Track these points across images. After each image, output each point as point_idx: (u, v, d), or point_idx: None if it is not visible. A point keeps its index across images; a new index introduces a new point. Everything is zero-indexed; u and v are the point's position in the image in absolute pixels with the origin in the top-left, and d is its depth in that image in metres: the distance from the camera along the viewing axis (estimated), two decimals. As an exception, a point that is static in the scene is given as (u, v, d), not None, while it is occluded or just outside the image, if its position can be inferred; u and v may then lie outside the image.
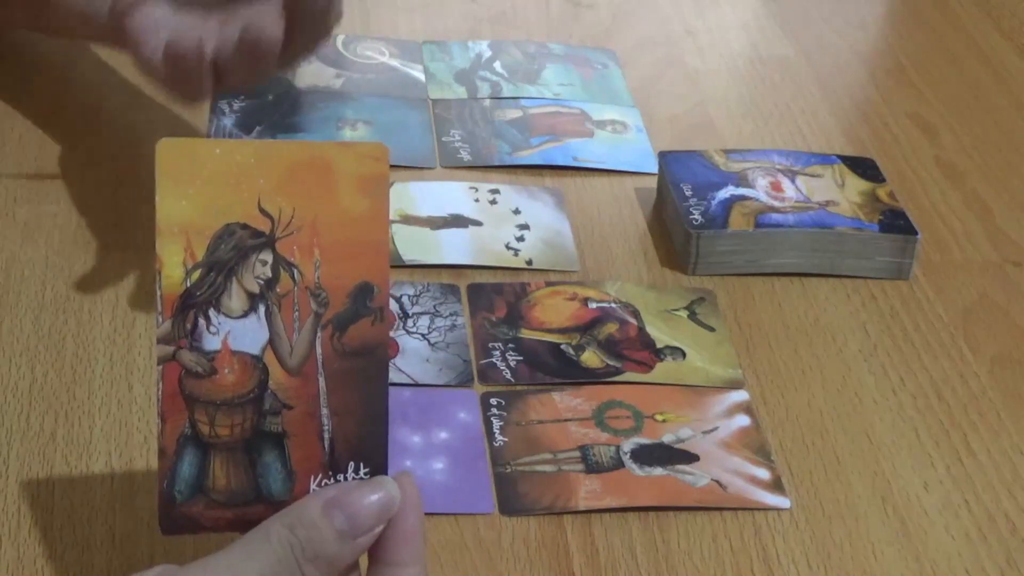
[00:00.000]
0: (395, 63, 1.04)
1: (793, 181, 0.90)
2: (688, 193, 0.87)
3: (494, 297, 0.82)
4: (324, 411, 0.55)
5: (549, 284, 0.84)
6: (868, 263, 0.86)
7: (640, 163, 0.96)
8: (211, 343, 0.55)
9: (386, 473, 0.56)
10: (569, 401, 0.75)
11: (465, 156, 0.95)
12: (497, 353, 0.78)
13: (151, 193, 0.91)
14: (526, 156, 0.95)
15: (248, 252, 0.55)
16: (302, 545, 0.53)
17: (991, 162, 0.99)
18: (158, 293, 0.55)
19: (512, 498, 0.69)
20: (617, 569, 0.66)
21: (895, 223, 0.86)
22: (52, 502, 0.67)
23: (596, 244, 0.88)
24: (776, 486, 0.71)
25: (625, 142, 0.98)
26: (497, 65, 1.05)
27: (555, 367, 0.77)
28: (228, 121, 0.94)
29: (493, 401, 0.74)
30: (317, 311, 0.55)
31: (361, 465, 0.56)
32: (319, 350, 0.55)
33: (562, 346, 0.79)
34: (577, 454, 0.71)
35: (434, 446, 0.71)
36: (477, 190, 0.91)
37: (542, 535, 0.67)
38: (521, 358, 0.77)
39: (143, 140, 0.93)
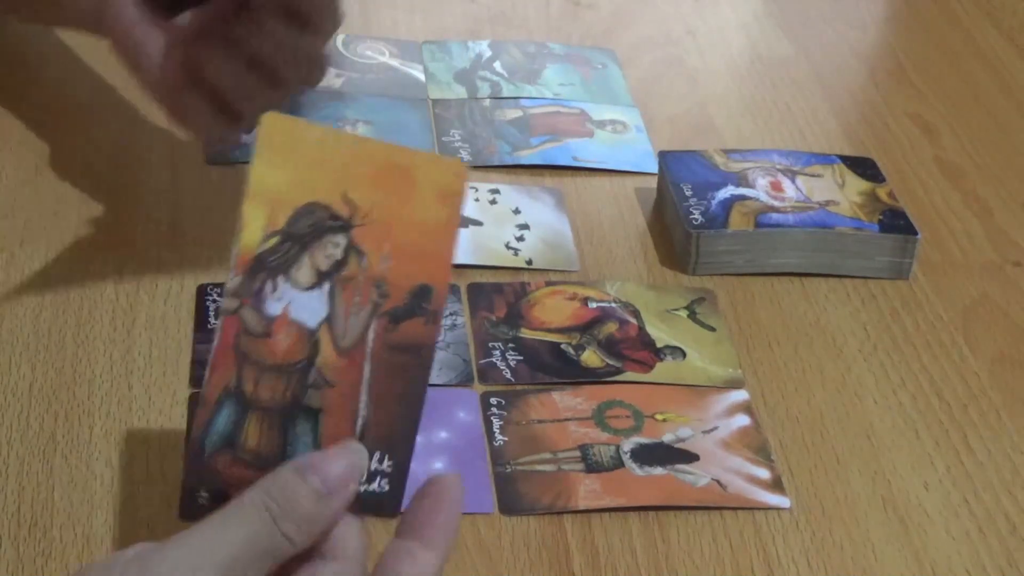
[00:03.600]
0: (395, 63, 1.04)
1: (793, 181, 0.90)
2: (688, 193, 0.87)
3: (494, 297, 0.82)
4: (363, 397, 0.57)
5: (549, 284, 0.84)
6: (868, 263, 0.86)
7: (640, 163, 0.96)
8: (273, 308, 0.57)
9: (407, 472, 0.57)
10: (569, 401, 0.75)
11: (465, 156, 0.95)
12: (497, 353, 0.78)
13: (152, 193, 0.91)
14: (526, 156, 0.95)
15: (324, 232, 0.57)
16: (278, 504, 0.54)
17: (991, 162, 0.99)
18: (234, 250, 0.57)
19: (512, 498, 0.69)
20: (617, 569, 0.66)
21: (895, 223, 0.86)
22: (52, 502, 0.67)
23: (596, 244, 0.88)
24: (776, 486, 0.71)
25: (625, 142, 0.98)
26: (497, 65, 1.05)
27: (555, 367, 0.77)
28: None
29: (493, 401, 0.74)
30: (376, 301, 0.57)
31: (386, 457, 0.57)
32: (371, 338, 0.57)
33: (562, 346, 0.79)
34: (577, 454, 0.71)
35: (434, 446, 0.71)
36: (477, 190, 0.91)
37: (542, 535, 0.67)
38: (521, 358, 0.77)
39: (144, 140, 0.93)
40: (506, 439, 0.72)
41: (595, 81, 1.05)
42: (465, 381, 0.76)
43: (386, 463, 0.57)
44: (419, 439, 0.71)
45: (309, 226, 0.57)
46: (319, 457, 0.55)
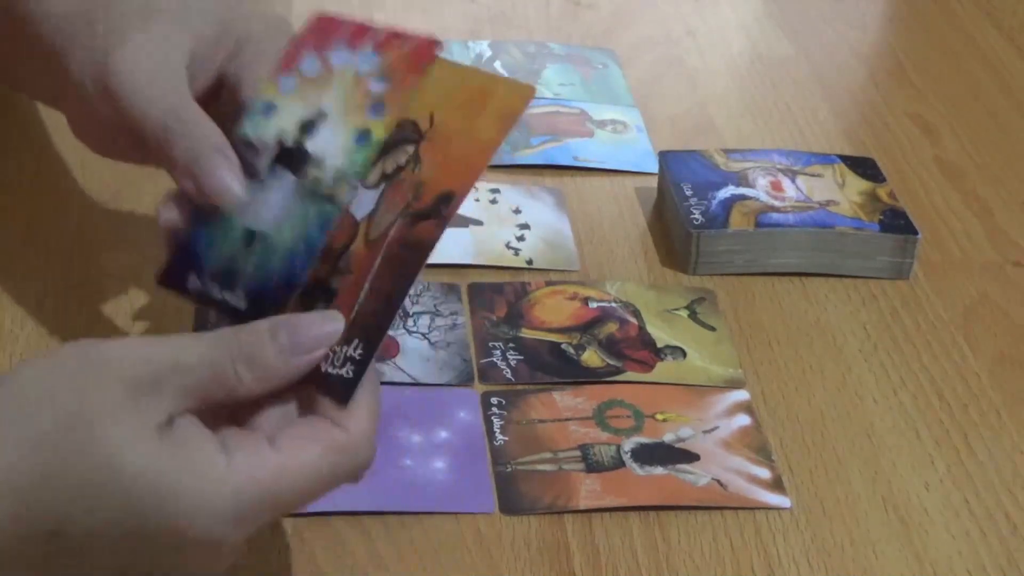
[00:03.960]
0: (395, 63, 1.04)
1: (793, 181, 0.90)
2: (688, 193, 0.87)
3: (494, 296, 0.82)
4: (366, 286, 0.59)
5: (549, 283, 0.84)
6: (868, 263, 0.86)
7: (640, 163, 0.96)
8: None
9: (370, 362, 0.58)
10: (569, 400, 0.75)
11: (465, 156, 0.94)
12: (497, 352, 0.78)
13: (151, 194, 0.91)
14: (526, 156, 0.95)
15: (401, 142, 0.61)
16: (240, 346, 0.56)
17: (991, 162, 0.99)
18: None
19: (512, 497, 0.69)
20: (617, 568, 0.66)
21: (895, 223, 0.86)
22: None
23: (596, 244, 0.88)
24: (776, 485, 0.71)
25: (625, 142, 0.98)
26: (497, 65, 1.05)
27: (555, 366, 0.77)
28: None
29: (493, 400, 0.74)
30: (410, 200, 0.60)
31: (361, 345, 0.58)
32: (390, 233, 0.60)
33: (562, 345, 0.79)
34: (577, 453, 0.71)
35: (434, 445, 0.71)
36: (477, 189, 0.91)
37: (542, 534, 0.67)
38: (521, 357, 0.77)
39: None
40: (507, 439, 0.72)
41: (595, 81, 1.05)
42: (465, 381, 0.76)
43: (358, 351, 0.58)
44: (419, 439, 0.71)
45: (397, 137, 0.62)
46: (296, 319, 0.57)
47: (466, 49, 1.07)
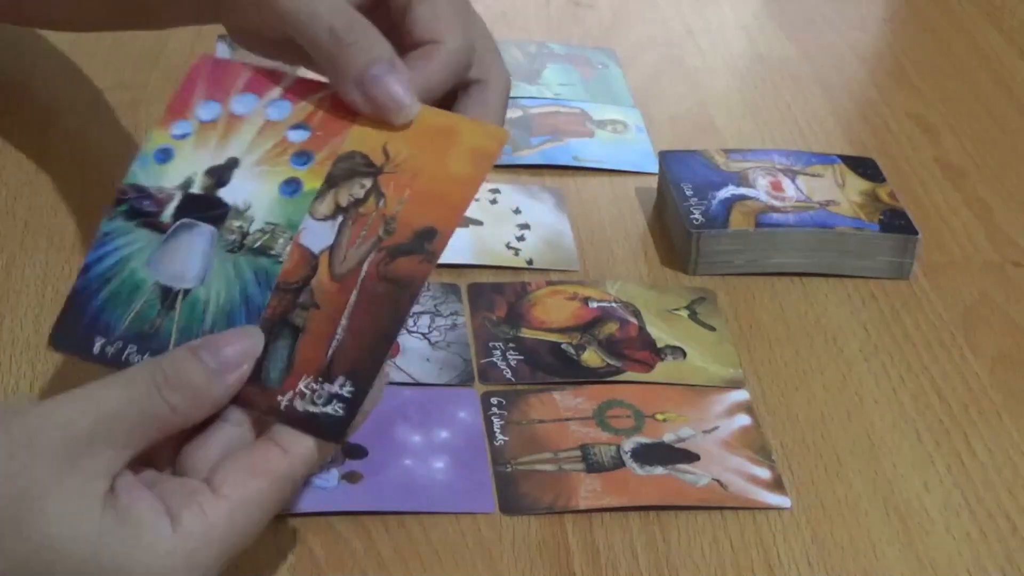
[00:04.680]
0: (395, 63, 1.04)
1: (793, 181, 0.90)
2: (688, 193, 0.87)
3: (495, 296, 0.82)
4: (344, 322, 0.58)
5: (550, 283, 0.84)
6: (868, 263, 0.86)
7: (640, 163, 0.96)
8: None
9: (363, 401, 0.57)
10: (570, 400, 0.75)
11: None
12: (498, 352, 0.78)
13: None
14: (526, 156, 0.95)
15: (354, 175, 0.61)
16: (165, 374, 0.54)
17: (991, 162, 0.99)
18: None
19: (513, 497, 0.69)
20: (618, 568, 0.66)
21: (895, 223, 0.86)
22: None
23: (596, 244, 0.88)
24: (777, 485, 0.71)
25: (625, 142, 0.98)
26: (497, 65, 1.05)
27: (556, 366, 0.77)
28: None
29: (494, 400, 0.74)
30: (381, 236, 0.59)
31: (348, 383, 0.57)
32: (364, 268, 0.59)
33: (563, 345, 0.79)
34: (578, 453, 0.71)
35: (434, 445, 0.71)
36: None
37: (543, 534, 0.67)
38: (522, 357, 0.77)
39: (142, 140, 0.92)
40: (507, 439, 0.72)
41: (595, 81, 1.05)
42: (466, 381, 0.76)
43: (347, 388, 0.57)
44: (419, 439, 0.71)
45: (343, 169, 0.60)
46: (213, 338, 0.56)
47: (466, 49, 1.07)
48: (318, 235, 0.60)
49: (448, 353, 0.77)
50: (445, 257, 0.83)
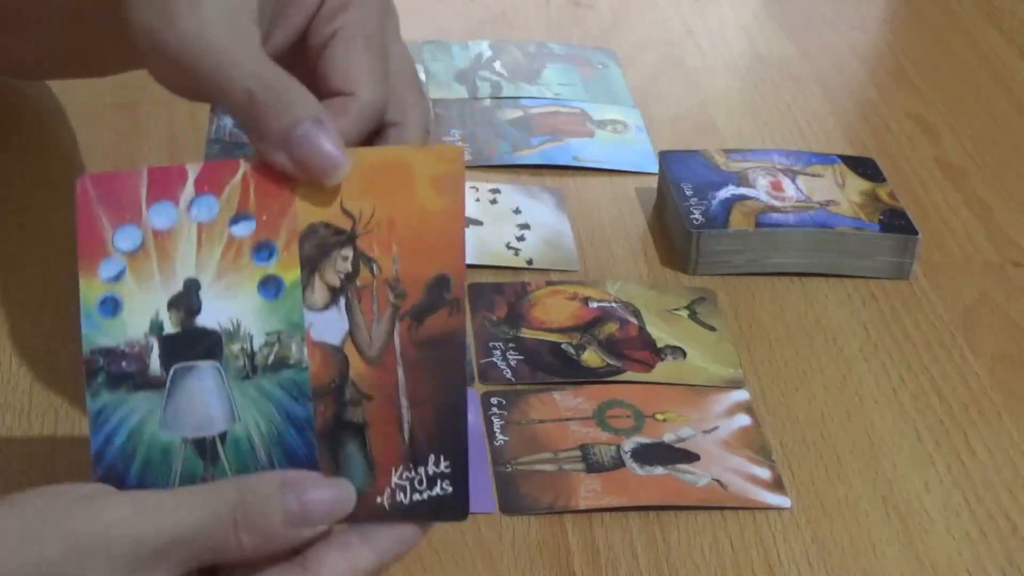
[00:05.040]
0: (395, 63, 1.04)
1: (794, 181, 0.90)
2: (688, 193, 0.87)
3: (494, 296, 0.82)
4: (403, 402, 0.55)
5: (549, 283, 0.84)
6: (868, 263, 0.86)
7: (640, 163, 0.96)
8: None
9: (467, 468, 0.55)
10: (570, 400, 0.75)
11: (466, 156, 0.95)
12: (498, 352, 0.78)
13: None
14: (526, 156, 0.95)
15: (330, 249, 0.55)
16: (245, 510, 0.51)
17: (991, 162, 0.99)
18: None
19: (513, 497, 0.69)
20: (618, 568, 0.66)
21: (895, 223, 0.86)
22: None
23: (596, 244, 0.88)
24: (777, 485, 0.71)
25: (625, 142, 0.98)
26: (497, 65, 1.05)
27: (556, 366, 0.77)
28: (229, 121, 0.94)
29: (494, 400, 0.74)
30: (394, 303, 0.56)
31: (441, 458, 0.55)
32: (397, 340, 0.55)
33: (563, 345, 0.79)
34: (578, 453, 0.71)
35: (435, 445, 0.71)
36: (477, 189, 0.91)
37: (542, 534, 0.67)
38: (522, 357, 0.77)
39: (142, 141, 0.92)
40: (507, 439, 0.72)
41: (595, 81, 1.05)
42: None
43: (443, 464, 0.55)
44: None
45: (314, 247, 0.55)
46: (308, 479, 0.53)
47: (466, 49, 1.07)
48: (330, 326, 0.55)
49: (448, 353, 0.77)
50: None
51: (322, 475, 0.54)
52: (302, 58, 0.61)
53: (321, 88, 0.60)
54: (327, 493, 0.53)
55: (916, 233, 0.86)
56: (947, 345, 0.81)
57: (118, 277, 0.55)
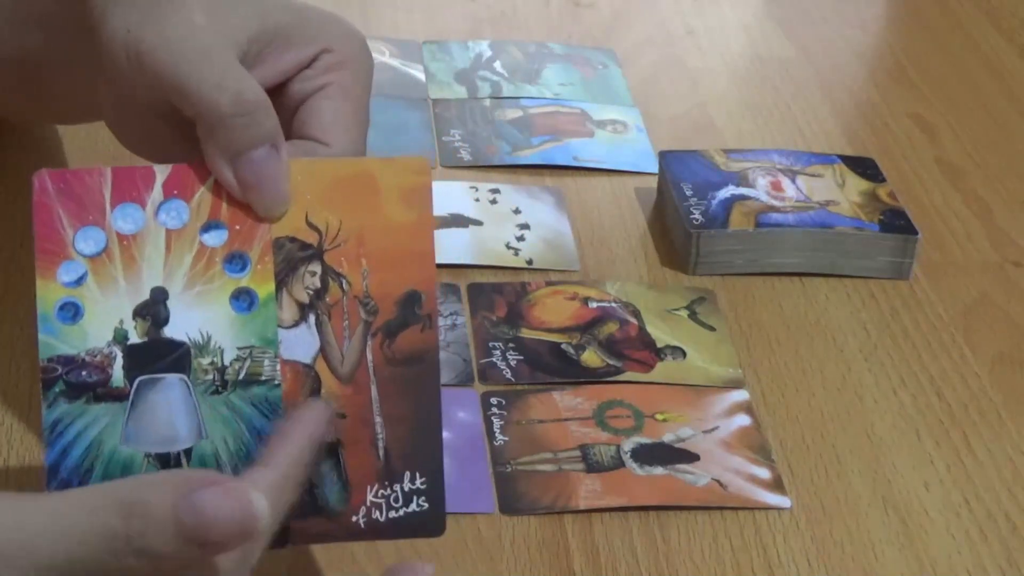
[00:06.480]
0: (395, 63, 1.04)
1: (793, 181, 0.90)
2: (688, 193, 0.87)
3: (494, 296, 0.82)
4: (378, 419, 0.55)
5: (549, 284, 0.84)
6: (868, 263, 0.86)
7: (640, 163, 0.96)
8: None
9: (442, 484, 0.55)
10: (569, 400, 0.75)
11: (465, 156, 0.95)
12: (497, 352, 0.78)
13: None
14: (526, 156, 0.95)
15: (297, 264, 0.54)
16: (139, 528, 0.46)
17: (991, 162, 0.99)
18: None
19: (512, 497, 0.69)
20: (617, 568, 0.66)
21: (895, 223, 0.86)
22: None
23: (596, 244, 0.88)
24: (776, 485, 0.71)
25: (625, 142, 0.98)
26: (497, 65, 1.05)
27: (555, 367, 0.77)
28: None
29: (493, 400, 0.74)
30: (366, 319, 0.55)
31: (417, 475, 0.55)
32: (370, 357, 0.55)
33: (562, 345, 0.79)
34: (577, 453, 0.71)
35: (434, 446, 0.71)
36: (477, 190, 0.91)
37: (542, 534, 0.67)
38: (521, 357, 0.77)
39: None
40: (506, 439, 0.72)
41: (595, 81, 1.05)
42: (465, 381, 0.76)
43: (418, 481, 0.55)
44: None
45: (281, 262, 0.54)
46: (209, 496, 0.47)
47: (466, 49, 1.07)
48: (301, 343, 0.54)
49: (448, 353, 0.77)
50: (445, 257, 0.84)
51: (233, 483, 0.48)
52: (274, 98, 0.59)
53: (293, 131, 0.60)
54: (231, 512, 0.47)
55: (916, 233, 0.86)
56: (947, 345, 0.81)
57: (79, 281, 0.52)
